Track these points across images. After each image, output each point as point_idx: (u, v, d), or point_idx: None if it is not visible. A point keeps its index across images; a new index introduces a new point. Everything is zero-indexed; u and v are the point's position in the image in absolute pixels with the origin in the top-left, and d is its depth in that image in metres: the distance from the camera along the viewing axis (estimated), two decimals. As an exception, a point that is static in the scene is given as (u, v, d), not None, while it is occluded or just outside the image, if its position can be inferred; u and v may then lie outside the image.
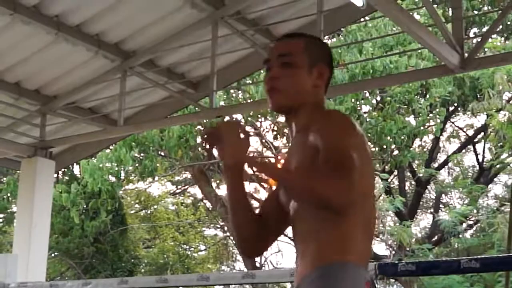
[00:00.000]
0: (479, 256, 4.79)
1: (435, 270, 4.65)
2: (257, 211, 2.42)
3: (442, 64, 6.04)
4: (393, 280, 16.16)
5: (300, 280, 2.21)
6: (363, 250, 2.22)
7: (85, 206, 14.49)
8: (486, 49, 11.54)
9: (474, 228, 15.88)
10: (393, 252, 12.61)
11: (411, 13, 7.06)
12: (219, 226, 20.56)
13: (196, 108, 8.31)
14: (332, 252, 2.16)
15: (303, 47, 2.36)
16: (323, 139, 2.17)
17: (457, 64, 5.71)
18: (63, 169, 14.26)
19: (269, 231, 2.43)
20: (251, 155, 2.31)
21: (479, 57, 5.89)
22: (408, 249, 11.98)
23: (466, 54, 5.77)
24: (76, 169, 16.19)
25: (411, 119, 13.88)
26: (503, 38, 14.21)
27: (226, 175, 2.34)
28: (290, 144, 2.47)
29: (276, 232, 2.47)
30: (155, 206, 21.04)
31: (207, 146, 2.28)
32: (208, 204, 19.98)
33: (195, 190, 21.33)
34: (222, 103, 12.24)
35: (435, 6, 7.32)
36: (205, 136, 2.29)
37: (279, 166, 2.40)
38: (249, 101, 12.48)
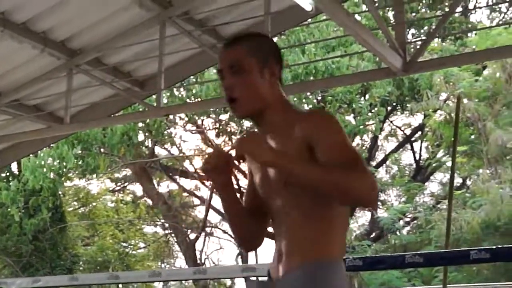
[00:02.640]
0: (422, 252, 4.98)
1: (381, 265, 4.83)
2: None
3: (385, 67, 6.21)
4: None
5: (284, 274, 2.30)
6: (343, 244, 2.37)
7: (24, 204, 14.32)
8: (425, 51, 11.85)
9: (411, 225, 16.26)
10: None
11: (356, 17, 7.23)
12: (159, 223, 20.55)
13: (142, 107, 8.32)
14: (320, 249, 2.26)
15: (248, 51, 2.40)
16: (321, 139, 2.22)
17: (400, 67, 5.88)
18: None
19: (261, 220, 2.53)
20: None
21: (420, 61, 6.08)
22: (348, 245, 12.22)
23: (408, 58, 5.94)
24: (14, 166, 15.97)
25: (350, 118, 14.17)
26: (439, 40, 14.62)
27: (220, 195, 2.46)
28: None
29: (265, 221, 2.56)
30: (94, 204, 20.88)
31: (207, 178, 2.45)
32: (149, 202, 19.96)
33: (135, 188, 21.29)
34: (165, 101, 12.27)
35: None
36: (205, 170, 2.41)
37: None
38: (193, 99, 12.54)
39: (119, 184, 21.34)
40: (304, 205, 2.28)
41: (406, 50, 5.95)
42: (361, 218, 18.26)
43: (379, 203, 18.39)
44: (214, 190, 2.47)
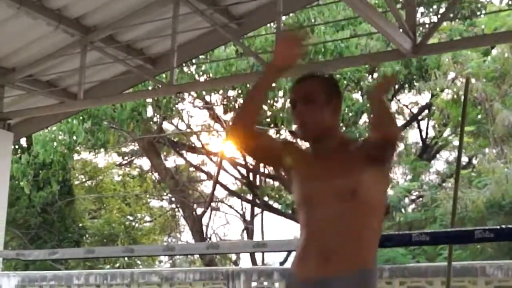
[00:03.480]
0: (428, 231, 5.10)
1: (388, 243, 4.96)
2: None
3: (394, 49, 6.30)
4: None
5: (337, 275, 2.65)
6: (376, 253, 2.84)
7: (33, 177, 14.48)
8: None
9: (416, 203, 16.35)
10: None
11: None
12: (166, 198, 20.72)
13: (153, 83, 8.41)
14: (370, 258, 2.72)
15: (321, 88, 2.90)
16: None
17: (409, 49, 5.98)
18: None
19: (261, 142, 3.01)
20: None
21: (430, 44, 6.17)
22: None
23: (418, 40, 6.03)
24: (23, 140, 16.10)
25: (358, 96, 14.24)
26: (449, 20, 14.62)
27: (269, 74, 2.93)
28: (311, 156, 2.95)
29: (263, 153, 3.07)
30: (101, 177, 21.02)
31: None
32: (156, 176, 20.10)
33: (142, 162, 21.42)
34: (175, 77, 12.34)
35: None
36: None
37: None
38: (202, 76, 12.65)
39: (126, 158, 21.45)
40: (362, 214, 2.72)
41: (416, 32, 6.03)
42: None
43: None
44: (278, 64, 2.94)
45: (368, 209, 2.73)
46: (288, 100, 3.05)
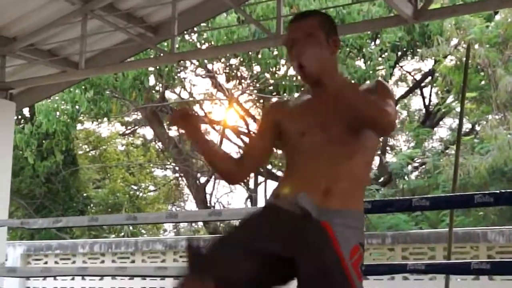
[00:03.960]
0: (428, 196, 5.13)
1: (389, 208, 4.99)
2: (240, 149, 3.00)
3: (396, 14, 6.27)
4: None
5: (337, 208, 2.63)
6: None
7: (37, 147, 14.52)
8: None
9: (419, 170, 16.39)
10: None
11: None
12: (170, 167, 20.78)
13: (154, 52, 8.38)
14: (362, 202, 2.74)
15: (319, 24, 2.77)
16: (378, 92, 2.71)
17: (411, 15, 5.95)
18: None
19: (250, 165, 2.96)
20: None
21: (432, 9, 6.13)
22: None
23: (419, 5, 6.00)
24: (26, 110, 16.13)
25: (360, 63, 14.19)
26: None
27: (194, 145, 2.95)
28: (309, 101, 2.87)
29: (260, 162, 3.15)
30: (105, 147, 21.06)
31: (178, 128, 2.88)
32: (159, 146, 20.15)
33: (145, 131, 21.45)
34: (176, 46, 12.32)
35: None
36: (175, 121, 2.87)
37: None
38: (205, 45, 12.62)
39: (129, 128, 21.48)
40: (353, 151, 2.71)
41: (417, -2, 5.99)
42: (370, 163, 18.38)
43: (388, 148, 18.56)
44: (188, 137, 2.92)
45: (362, 150, 2.73)
46: (284, 41, 2.89)
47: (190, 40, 12.96)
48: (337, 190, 2.62)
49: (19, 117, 15.75)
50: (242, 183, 18.72)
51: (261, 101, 15.88)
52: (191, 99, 16.96)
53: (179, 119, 2.81)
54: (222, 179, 3.09)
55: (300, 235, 2.55)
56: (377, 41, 14.38)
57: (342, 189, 2.62)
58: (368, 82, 3.17)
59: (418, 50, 14.81)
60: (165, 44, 8.89)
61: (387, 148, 18.55)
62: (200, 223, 19.13)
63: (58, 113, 12.75)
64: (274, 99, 14.49)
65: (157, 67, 13.19)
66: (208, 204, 17.85)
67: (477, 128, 14.96)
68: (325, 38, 2.75)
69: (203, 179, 18.40)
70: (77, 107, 12.59)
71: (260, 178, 17.93)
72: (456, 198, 4.69)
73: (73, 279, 9.52)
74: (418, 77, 17.93)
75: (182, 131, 2.87)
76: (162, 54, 7.94)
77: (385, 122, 2.59)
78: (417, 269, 4.38)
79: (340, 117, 2.67)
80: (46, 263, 9.73)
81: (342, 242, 2.52)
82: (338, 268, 2.50)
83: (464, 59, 12.18)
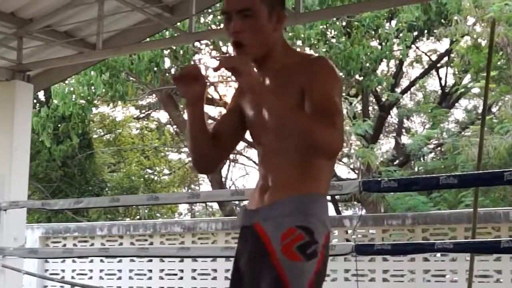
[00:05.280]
0: (456, 173, 5.06)
1: (415, 186, 4.93)
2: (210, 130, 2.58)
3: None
4: (355, 202, 16.66)
5: (272, 203, 2.38)
6: (329, 181, 2.48)
7: (53, 130, 14.53)
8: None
9: (436, 152, 16.30)
10: (360, 174, 12.95)
11: None
12: (185, 150, 20.76)
13: (171, 32, 8.30)
14: (309, 185, 2.36)
15: None
16: (313, 86, 2.31)
17: (433, -10, 5.85)
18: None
19: (222, 148, 2.60)
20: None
21: (455, -16, 6.04)
22: (374, 171, 12.32)
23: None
24: (41, 93, 16.14)
25: (376, 44, 14.07)
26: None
27: (188, 109, 2.50)
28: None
29: (229, 148, 2.68)
30: (120, 131, 21.07)
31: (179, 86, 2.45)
32: (174, 129, 20.12)
33: (159, 115, 21.43)
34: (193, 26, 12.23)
35: None
36: (176, 78, 2.45)
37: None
38: (221, 26, 12.49)
39: (143, 111, 21.47)
40: (297, 143, 2.33)
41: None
42: (385, 145, 18.37)
43: (403, 130, 18.45)
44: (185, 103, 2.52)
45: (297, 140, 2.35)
46: (220, 11, 2.45)
47: (206, 21, 12.86)
48: (273, 185, 2.41)
49: (35, 100, 15.75)
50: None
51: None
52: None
53: (183, 78, 2.42)
54: (193, 163, 2.69)
55: (245, 248, 2.44)
56: (393, 22, 14.24)
57: (278, 181, 2.40)
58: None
59: (434, 30, 14.66)
60: (179, 24, 8.82)
61: (402, 130, 18.45)
62: (216, 206, 19.14)
63: (74, 96, 12.73)
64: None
65: (173, 48, 13.12)
66: (224, 187, 17.83)
67: (494, 109, 14.83)
68: (267, 12, 2.39)
69: (218, 162, 18.33)
70: (93, 89, 12.55)
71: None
72: (486, 176, 4.61)
73: (91, 261, 9.53)
74: (433, 57, 17.77)
75: (182, 90, 2.46)
76: (179, 34, 7.86)
77: (325, 151, 2.28)
78: (445, 247, 4.32)
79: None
80: (64, 245, 9.74)
81: (272, 235, 2.32)
82: (268, 263, 2.31)
83: (482, 38, 12.11)
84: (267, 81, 2.42)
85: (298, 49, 2.64)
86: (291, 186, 2.36)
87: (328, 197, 3.04)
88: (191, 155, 2.63)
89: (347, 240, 8.09)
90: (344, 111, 13.02)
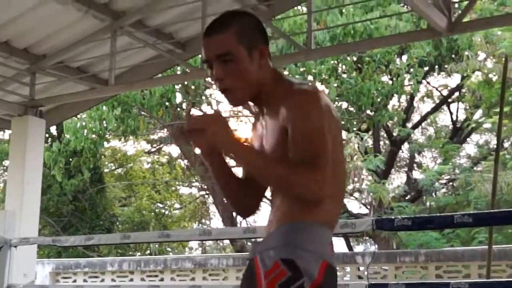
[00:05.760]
0: (471, 212, 5.00)
1: (430, 225, 4.87)
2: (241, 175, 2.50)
3: (429, 27, 6.19)
4: (367, 238, 16.54)
5: (266, 235, 2.33)
6: (333, 213, 2.31)
7: (64, 165, 14.55)
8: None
9: (447, 187, 16.21)
10: (371, 210, 12.88)
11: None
12: (196, 184, 20.75)
13: (182, 68, 8.33)
14: (303, 212, 2.23)
15: (237, 38, 2.28)
16: (291, 124, 2.20)
17: (445, 27, 5.85)
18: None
19: (258, 186, 2.49)
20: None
21: (466, 21, 6.04)
22: (386, 206, 12.25)
23: (454, 17, 5.91)
24: (53, 128, 16.20)
25: (386, 79, 14.08)
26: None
27: (206, 160, 2.39)
28: (258, 127, 2.50)
29: (262, 190, 2.55)
30: (131, 165, 21.09)
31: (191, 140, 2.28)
32: (185, 163, 20.12)
33: (170, 149, 21.46)
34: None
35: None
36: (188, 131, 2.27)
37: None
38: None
39: (155, 145, 21.51)
40: None
41: (451, 10, 5.91)
42: (396, 180, 18.28)
43: (415, 165, 18.37)
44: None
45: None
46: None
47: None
48: (274, 216, 2.33)
49: (47, 135, 15.81)
50: (269, 202, 18.57)
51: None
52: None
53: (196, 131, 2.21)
54: (235, 210, 2.62)
55: (244, 282, 2.37)
56: (404, 57, 14.26)
57: (277, 212, 2.31)
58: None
59: (445, 65, 14.66)
60: (190, 60, 8.87)
61: (414, 165, 18.38)
62: (227, 241, 19.03)
63: (86, 130, 12.77)
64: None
65: (185, 83, 13.18)
66: (235, 222, 17.75)
67: (506, 144, 14.75)
68: (246, 53, 2.29)
69: (229, 197, 18.27)
70: (104, 124, 12.59)
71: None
72: (500, 214, 4.56)
73: (101, 297, 9.49)
74: (444, 92, 17.75)
75: (197, 148, 2.31)
76: (191, 70, 7.90)
77: (308, 198, 2.19)
78: None
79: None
80: (75, 281, 9.70)
81: (262, 268, 2.23)
82: None
83: (494, 73, 12.09)
84: (268, 121, 2.35)
85: (293, 79, 2.37)
86: (286, 215, 2.26)
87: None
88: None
89: (359, 277, 8.01)
90: (355, 146, 12.99)
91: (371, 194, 11.99)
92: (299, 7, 11.25)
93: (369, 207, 13.31)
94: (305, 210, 2.23)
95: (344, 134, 16.02)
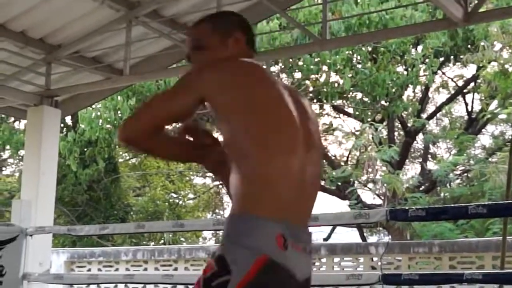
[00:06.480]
0: (485, 203, 4.99)
1: (444, 215, 4.87)
2: None
3: (445, 17, 6.15)
4: (381, 228, 16.53)
5: None
6: (282, 202, 2.17)
7: (79, 154, 14.62)
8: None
9: (462, 178, 16.15)
10: (385, 200, 12.87)
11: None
12: (210, 174, 20.79)
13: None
14: (243, 205, 2.14)
15: (211, 28, 2.45)
16: None
17: (461, 17, 5.82)
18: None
19: None
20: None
21: (483, 11, 6.00)
22: (400, 197, 12.23)
23: (470, 7, 5.87)
24: (68, 118, 16.26)
25: (401, 69, 14.03)
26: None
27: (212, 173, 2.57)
28: None
29: None
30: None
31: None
32: (199, 153, 20.14)
33: (185, 139, 21.45)
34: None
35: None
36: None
37: None
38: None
39: (169, 135, 21.51)
40: (233, 162, 2.24)
41: (467, 0, 5.87)
42: (411, 171, 18.24)
43: (429, 156, 18.31)
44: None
45: (237, 154, 2.22)
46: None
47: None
48: None
49: (62, 125, 15.87)
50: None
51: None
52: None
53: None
54: None
55: None
56: (419, 47, 14.21)
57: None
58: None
59: (461, 56, 14.59)
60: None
61: (428, 156, 18.32)
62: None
63: (100, 120, 12.82)
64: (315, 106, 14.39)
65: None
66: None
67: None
68: (219, 42, 2.45)
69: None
70: (119, 114, 12.63)
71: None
72: (515, 205, 4.54)
73: (116, 286, 9.52)
74: (460, 83, 17.66)
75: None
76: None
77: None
78: (474, 278, 4.25)
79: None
80: (89, 270, 9.76)
81: None
82: None
83: (510, 64, 12.03)
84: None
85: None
86: (232, 207, 2.20)
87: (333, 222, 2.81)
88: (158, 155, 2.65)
89: (373, 268, 8.01)
90: (370, 136, 12.98)
91: (385, 184, 11.98)
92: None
93: (383, 197, 13.29)
94: (245, 202, 2.14)
95: (358, 125, 16.03)
